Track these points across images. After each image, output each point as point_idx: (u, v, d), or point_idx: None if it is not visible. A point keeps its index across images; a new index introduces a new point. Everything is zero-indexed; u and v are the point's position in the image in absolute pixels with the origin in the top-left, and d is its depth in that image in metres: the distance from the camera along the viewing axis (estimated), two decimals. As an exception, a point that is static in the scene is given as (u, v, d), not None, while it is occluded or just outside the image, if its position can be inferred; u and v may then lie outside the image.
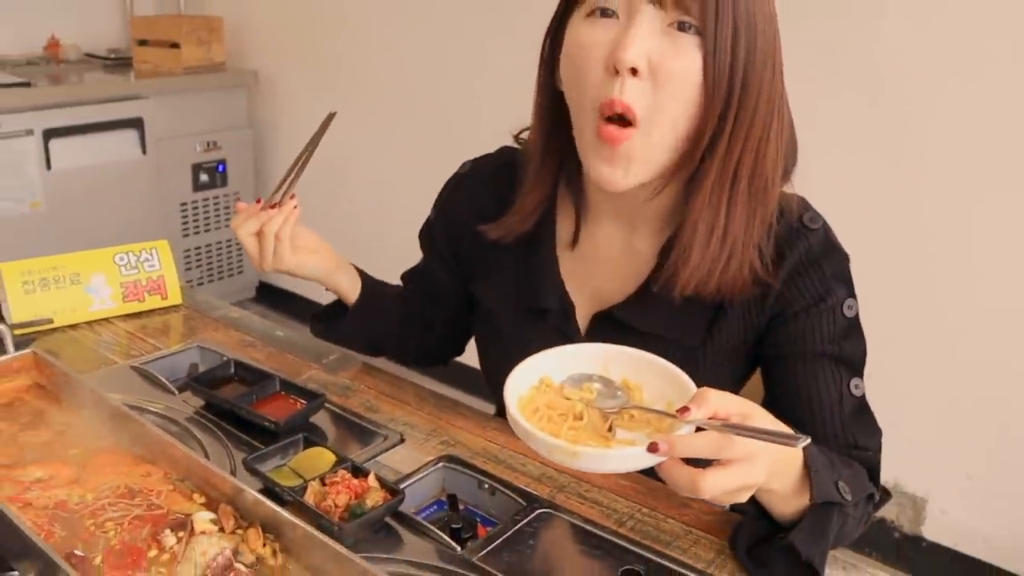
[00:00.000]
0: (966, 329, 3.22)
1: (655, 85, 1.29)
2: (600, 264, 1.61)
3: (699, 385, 1.19)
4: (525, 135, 1.64)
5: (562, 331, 1.62)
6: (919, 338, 3.28)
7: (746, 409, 1.12)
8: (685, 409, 1.09)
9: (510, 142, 1.74)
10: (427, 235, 1.87)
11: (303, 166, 1.69)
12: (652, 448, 1.06)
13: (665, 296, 1.46)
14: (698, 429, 1.10)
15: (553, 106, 1.48)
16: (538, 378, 1.27)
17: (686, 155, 1.37)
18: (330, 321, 1.91)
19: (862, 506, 1.41)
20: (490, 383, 1.81)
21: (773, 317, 1.50)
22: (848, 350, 1.48)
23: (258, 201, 1.69)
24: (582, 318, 1.63)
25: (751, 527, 1.35)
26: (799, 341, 1.48)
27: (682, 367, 1.32)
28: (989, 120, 3.02)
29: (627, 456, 1.11)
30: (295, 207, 1.69)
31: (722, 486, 1.09)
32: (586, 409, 1.21)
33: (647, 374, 1.26)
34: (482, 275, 1.75)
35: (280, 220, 1.66)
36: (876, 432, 1.52)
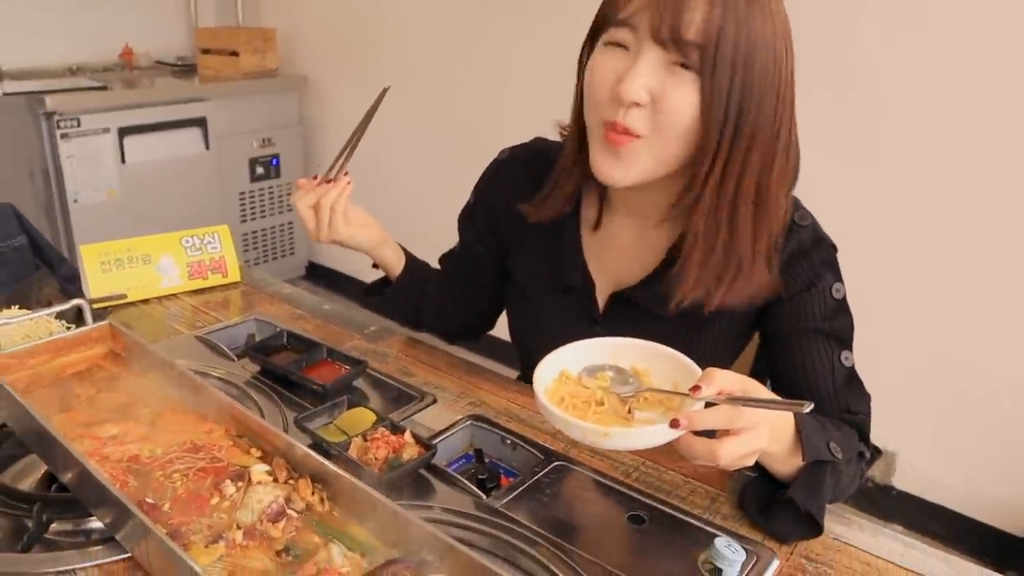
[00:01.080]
0: (930, 307, 3.22)
1: (654, 113, 1.31)
2: (617, 249, 1.61)
3: (702, 360, 1.23)
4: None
5: (583, 306, 1.64)
6: (889, 315, 3.28)
7: (746, 384, 1.14)
8: (696, 388, 1.12)
9: (533, 135, 1.76)
10: (467, 217, 1.86)
11: (356, 143, 1.66)
12: (674, 424, 1.09)
13: (672, 280, 1.46)
14: (707, 405, 1.13)
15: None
16: (559, 371, 1.29)
17: (685, 171, 1.38)
18: (377, 294, 1.89)
19: (855, 464, 1.43)
20: (518, 349, 1.85)
21: (770, 303, 1.52)
22: (837, 327, 1.51)
23: (315, 177, 1.66)
24: (601, 296, 1.63)
25: (757, 488, 1.37)
26: (794, 321, 1.51)
27: (688, 343, 1.45)
28: (952, 116, 3.02)
29: (652, 433, 1.13)
30: (348, 182, 1.67)
31: (736, 453, 1.13)
32: (605, 395, 1.24)
33: (653, 360, 1.29)
34: (516, 251, 1.76)
35: (335, 193, 1.65)
36: (865, 397, 1.53)
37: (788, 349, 1.53)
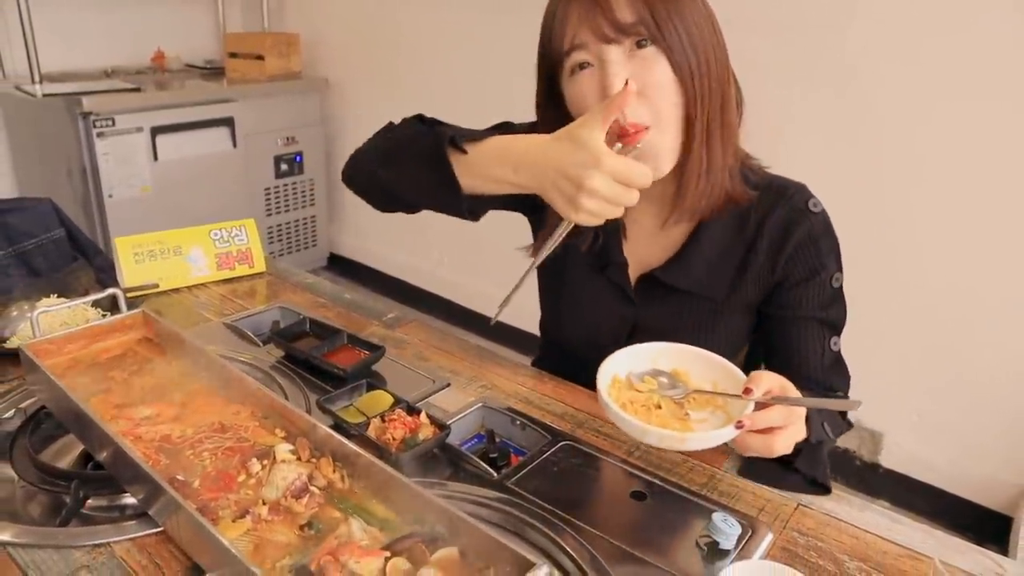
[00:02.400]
0: (919, 292, 3.22)
1: (647, 100, 1.35)
2: (643, 236, 1.64)
3: (726, 334, 1.50)
4: None
5: (618, 286, 1.65)
6: (879, 299, 3.28)
7: (783, 383, 1.25)
8: (749, 389, 1.22)
9: None
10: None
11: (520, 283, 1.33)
12: (739, 425, 1.19)
13: (694, 261, 1.56)
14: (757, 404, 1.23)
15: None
16: (611, 378, 1.32)
17: (685, 125, 1.41)
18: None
19: (838, 433, 1.53)
20: (549, 331, 1.86)
21: (778, 283, 1.57)
22: (832, 315, 1.57)
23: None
24: (632, 276, 1.65)
25: (762, 464, 1.41)
26: (796, 306, 1.56)
27: (709, 319, 1.59)
28: (943, 109, 3.02)
29: (721, 435, 1.20)
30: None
31: (787, 444, 1.25)
32: (661, 399, 1.30)
33: (689, 361, 1.36)
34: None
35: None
36: (847, 378, 1.61)
37: (786, 331, 1.59)
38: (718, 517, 1.21)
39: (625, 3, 1.33)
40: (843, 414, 1.56)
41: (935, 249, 3.14)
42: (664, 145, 1.39)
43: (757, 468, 1.42)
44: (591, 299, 1.60)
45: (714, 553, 1.20)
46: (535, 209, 1.73)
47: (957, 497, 3.34)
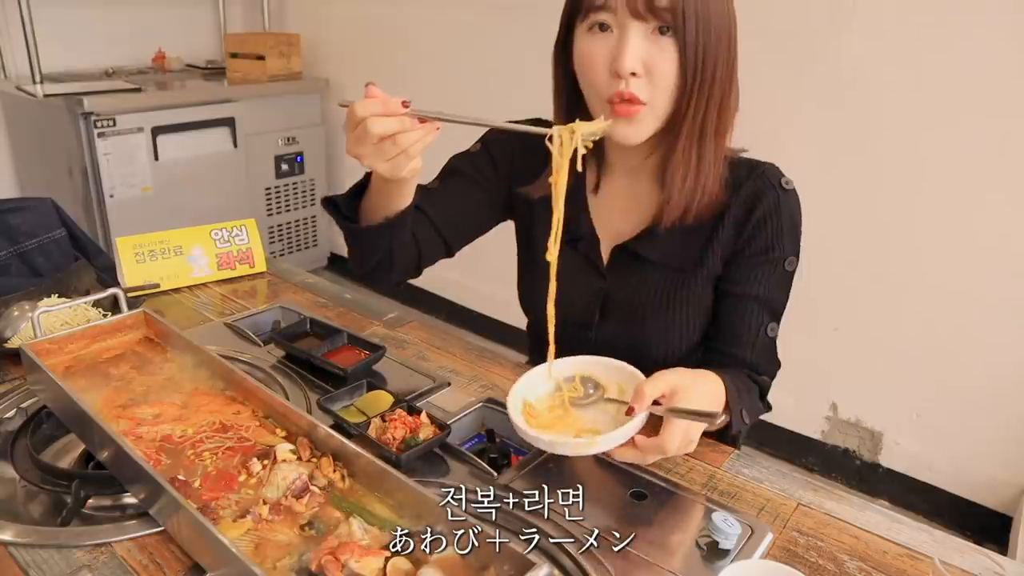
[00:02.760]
0: (916, 291, 3.21)
1: (650, 80, 1.40)
2: (616, 208, 1.66)
3: (695, 301, 1.59)
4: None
5: (590, 259, 1.67)
6: (877, 297, 3.28)
7: (673, 383, 1.31)
8: (631, 409, 1.28)
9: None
10: (468, 163, 1.78)
11: (461, 122, 1.31)
12: (629, 411, 1.28)
13: (666, 233, 1.57)
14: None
15: (570, 91, 1.55)
16: (521, 403, 1.37)
17: (673, 116, 1.46)
18: (349, 209, 1.59)
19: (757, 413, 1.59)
20: (525, 303, 1.86)
21: (737, 253, 1.59)
22: (775, 298, 1.61)
23: (404, 103, 1.31)
24: (604, 250, 1.67)
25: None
26: (742, 283, 1.59)
27: (677, 291, 1.62)
28: (938, 115, 3.02)
29: (623, 432, 1.27)
30: (438, 128, 1.33)
31: (677, 443, 1.29)
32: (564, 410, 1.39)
33: (598, 369, 1.44)
34: (526, 209, 1.76)
35: (418, 136, 1.31)
36: (776, 364, 1.65)
37: (728, 305, 1.62)
38: (718, 517, 1.21)
39: None
40: (762, 396, 1.62)
41: (934, 250, 3.14)
42: (651, 121, 1.45)
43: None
44: (563, 273, 1.61)
45: (714, 553, 1.20)
46: (510, 209, 1.81)
47: (957, 497, 3.34)
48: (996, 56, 2.83)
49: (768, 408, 1.65)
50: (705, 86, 1.42)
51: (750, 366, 1.61)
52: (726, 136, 1.52)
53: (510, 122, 1.36)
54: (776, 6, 3.22)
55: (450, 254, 1.78)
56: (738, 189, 1.57)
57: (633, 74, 1.39)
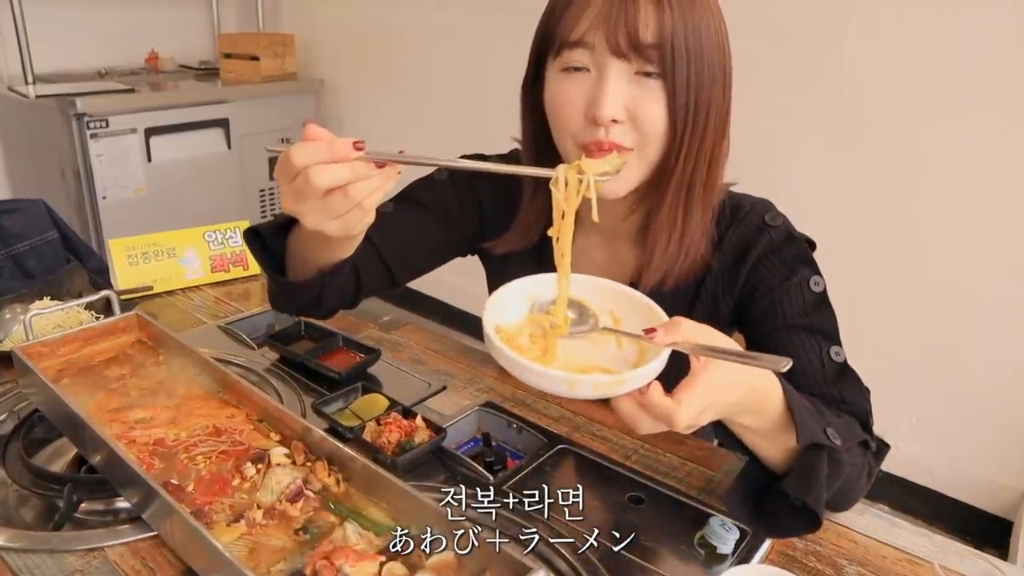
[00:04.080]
0: (915, 293, 3.22)
1: (634, 127, 1.27)
2: (592, 268, 1.51)
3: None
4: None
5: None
6: (875, 300, 3.29)
7: (712, 336, 1.02)
8: (652, 330, 1.00)
9: None
10: (429, 191, 1.64)
11: (422, 164, 1.12)
12: (649, 332, 1.00)
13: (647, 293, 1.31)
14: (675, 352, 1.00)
15: (539, 136, 1.43)
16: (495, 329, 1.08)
17: (659, 169, 1.33)
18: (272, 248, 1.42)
19: (859, 455, 1.26)
20: None
21: (741, 302, 1.46)
22: (819, 321, 1.39)
23: (356, 145, 1.07)
24: None
25: (745, 480, 1.24)
26: (772, 317, 1.40)
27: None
28: (937, 113, 3.03)
29: (649, 370, 0.98)
30: (399, 172, 1.10)
31: (698, 417, 1.00)
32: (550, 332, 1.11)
33: (594, 293, 1.17)
34: (499, 267, 1.65)
35: (376, 185, 1.10)
36: (863, 391, 1.38)
37: (772, 348, 1.39)
38: (716, 521, 1.21)
39: (653, 19, 1.22)
40: (864, 424, 1.34)
41: (933, 251, 3.15)
42: (637, 170, 1.32)
43: (732, 496, 1.25)
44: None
45: (712, 558, 1.20)
46: (475, 249, 1.71)
47: (956, 501, 3.34)
48: (996, 53, 2.84)
49: (884, 446, 1.38)
50: (696, 137, 1.29)
51: (831, 399, 1.33)
52: (716, 189, 1.39)
53: (496, 157, 1.26)
54: (775, 3, 3.23)
55: (395, 286, 1.62)
56: (723, 237, 1.44)
57: (614, 121, 1.26)
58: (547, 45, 1.33)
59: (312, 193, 1.07)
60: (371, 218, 1.16)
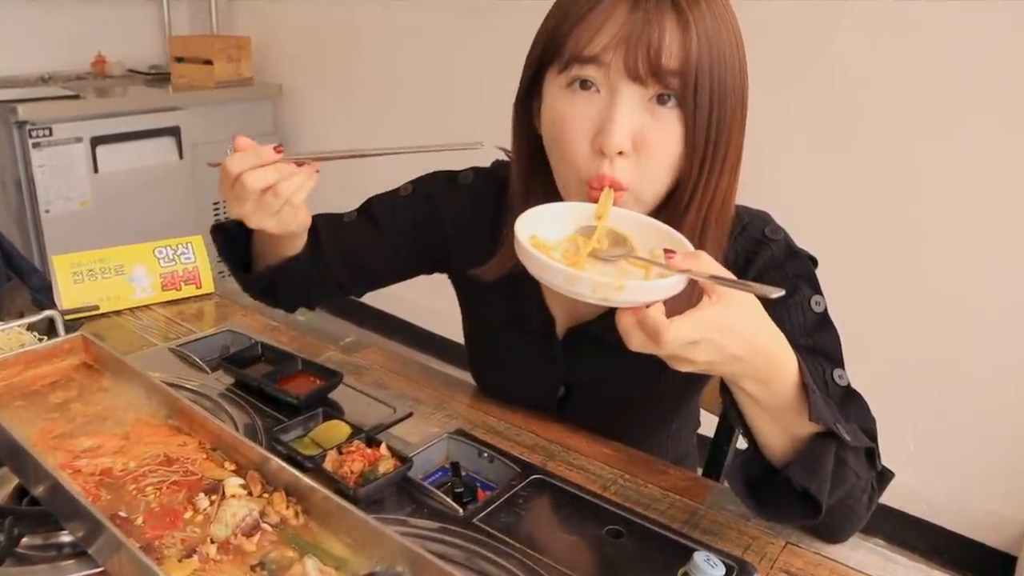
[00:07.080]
0: (912, 317, 3.25)
1: (640, 159, 1.24)
2: None
3: (669, 392, 1.31)
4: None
5: (544, 345, 1.61)
6: (871, 324, 3.31)
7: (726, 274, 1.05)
8: (671, 252, 1.08)
9: (508, 143, 1.55)
10: (390, 208, 1.73)
11: (345, 158, 1.39)
12: (669, 254, 1.07)
13: None
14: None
15: (533, 154, 1.43)
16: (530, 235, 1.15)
17: (668, 204, 1.32)
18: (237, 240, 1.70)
19: (864, 468, 1.30)
20: (476, 378, 1.82)
21: None
22: (822, 342, 1.38)
23: (277, 149, 1.36)
24: (560, 331, 1.60)
25: (748, 462, 1.29)
26: None
27: (654, 372, 1.39)
28: (933, 118, 3.08)
29: (664, 285, 1.03)
30: (317, 170, 1.38)
31: (692, 351, 1.03)
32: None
33: (633, 227, 1.20)
34: (471, 291, 1.70)
35: (300, 182, 1.36)
36: (869, 418, 1.40)
37: None
38: (700, 557, 1.21)
39: (677, 44, 1.19)
40: (872, 440, 1.35)
41: (929, 265, 3.19)
42: (633, 208, 1.27)
43: (733, 474, 1.28)
44: (516, 360, 1.57)
45: (695, 594, 1.20)
46: (443, 267, 1.75)
47: (956, 534, 3.36)
48: (990, 50, 2.89)
49: (889, 473, 1.45)
50: (715, 173, 1.28)
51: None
52: (728, 221, 1.38)
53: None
54: (771, 2, 3.26)
55: (348, 293, 1.81)
56: (721, 252, 1.40)
57: (620, 153, 1.23)
58: (551, 56, 1.30)
59: (249, 195, 1.34)
60: (304, 215, 1.44)
